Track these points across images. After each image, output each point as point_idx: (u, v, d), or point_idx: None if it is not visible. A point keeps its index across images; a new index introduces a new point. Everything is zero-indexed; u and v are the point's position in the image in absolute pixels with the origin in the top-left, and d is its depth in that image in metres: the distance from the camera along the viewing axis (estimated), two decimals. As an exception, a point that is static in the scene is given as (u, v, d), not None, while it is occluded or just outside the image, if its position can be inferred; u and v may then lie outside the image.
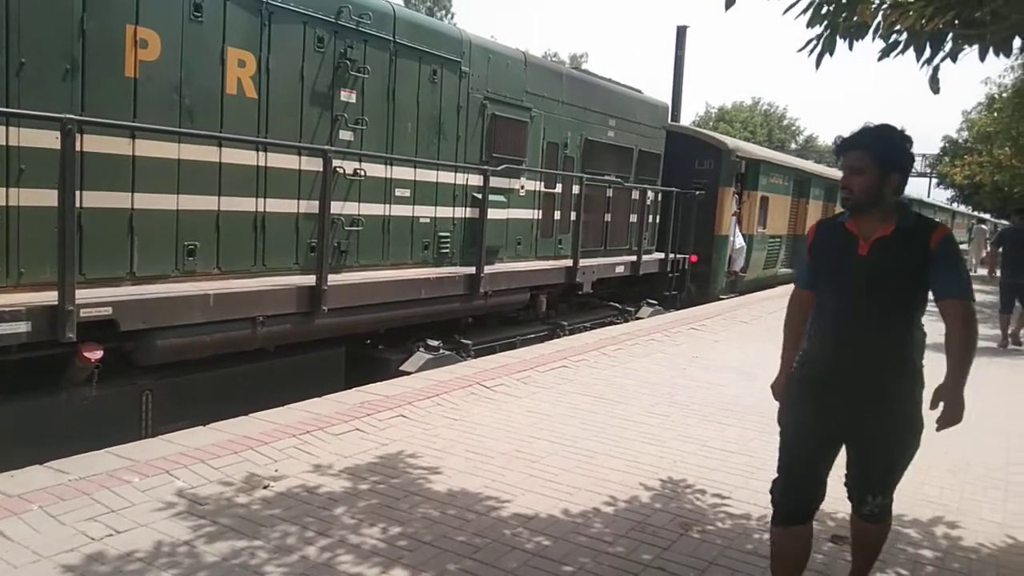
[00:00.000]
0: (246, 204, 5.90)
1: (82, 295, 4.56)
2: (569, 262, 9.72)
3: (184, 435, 4.50)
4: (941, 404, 2.73)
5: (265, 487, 3.90)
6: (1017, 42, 3.22)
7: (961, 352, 2.70)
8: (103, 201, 4.97)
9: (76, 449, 4.16)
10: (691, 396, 6.41)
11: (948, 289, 2.69)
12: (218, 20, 5.53)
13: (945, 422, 2.74)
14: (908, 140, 2.74)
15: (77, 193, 4.53)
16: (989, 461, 5.16)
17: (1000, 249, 11.62)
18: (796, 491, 2.91)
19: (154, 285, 5.24)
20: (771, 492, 2.99)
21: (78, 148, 4.51)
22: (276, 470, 4.14)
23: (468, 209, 8.19)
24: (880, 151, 2.69)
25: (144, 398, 5.14)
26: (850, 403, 2.78)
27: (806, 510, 2.93)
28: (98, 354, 4.64)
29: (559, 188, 9.91)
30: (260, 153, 5.94)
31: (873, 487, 2.91)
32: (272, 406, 5.17)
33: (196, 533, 3.35)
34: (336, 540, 3.37)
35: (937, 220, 2.84)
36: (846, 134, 2.85)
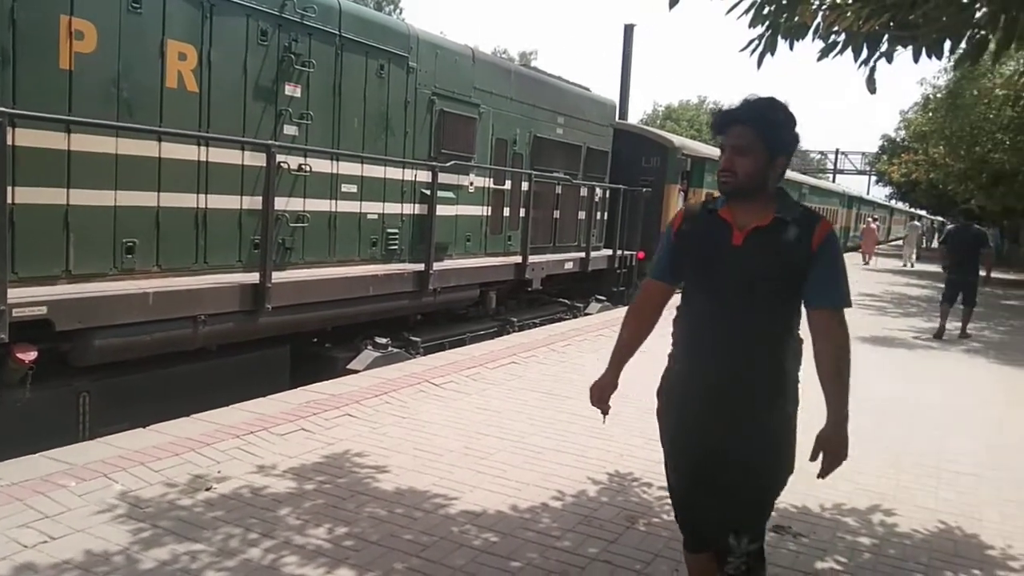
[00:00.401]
0: (187, 200, 5.76)
1: (15, 294, 4.40)
2: (518, 258, 9.74)
3: (123, 437, 4.39)
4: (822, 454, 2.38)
5: (208, 489, 3.82)
6: (949, 44, 3.32)
7: (838, 380, 2.36)
8: (37, 197, 4.80)
9: (9, 454, 4.01)
10: (638, 390, 6.44)
11: (826, 297, 2.35)
12: (157, 12, 5.39)
13: (827, 470, 2.41)
14: (794, 120, 2.39)
15: (9, 189, 4.38)
16: (923, 450, 5.33)
17: (946, 249, 12.01)
18: (685, 520, 2.63)
19: (91, 284, 5.08)
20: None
21: (9, 142, 4.36)
22: (219, 471, 4.06)
23: (417, 205, 8.14)
24: (768, 130, 2.34)
25: (81, 400, 4.99)
26: (720, 419, 2.40)
27: (703, 539, 2.57)
28: (32, 355, 4.49)
29: (508, 185, 9.92)
30: (202, 148, 5.81)
31: (740, 521, 2.43)
32: (215, 407, 5.07)
33: (135, 537, 3.26)
34: (281, 541, 3.32)
35: (820, 214, 2.45)
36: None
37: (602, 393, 2.84)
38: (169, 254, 5.67)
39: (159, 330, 5.25)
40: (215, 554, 3.17)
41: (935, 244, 34.00)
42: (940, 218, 41.26)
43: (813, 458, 2.41)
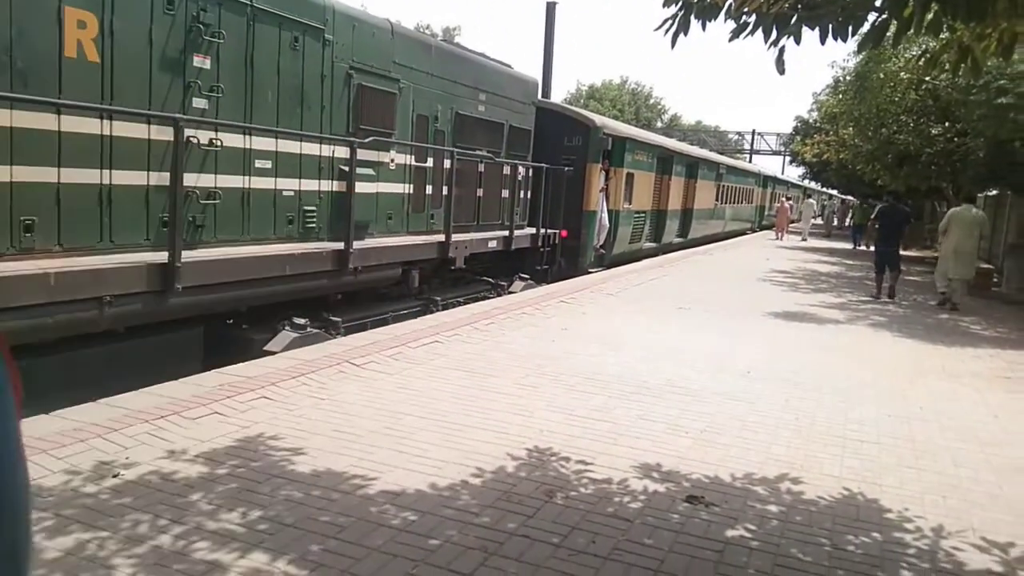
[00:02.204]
0: (90, 176, 5.50)
1: (-102, 275, 4.14)
2: (442, 237, 9.69)
3: (24, 424, 4.16)
4: None
5: (115, 476, 3.69)
6: (852, 26, 3.42)
7: None
8: (-80, 172, 4.52)
9: None
10: (559, 367, 6.54)
11: None
12: (52, -24, 5.10)
13: None
14: None
15: None
16: (830, 420, 5.56)
17: (877, 225, 13.99)
18: None
19: (-15, 264, 4.82)
20: None
21: None
22: (127, 458, 3.91)
23: (335, 182, 7.98)
24: None
25: (-24, 386, 4.73)
26: None
27: None
28: (-81, 340, 4.23)
29: (431, 162, 9.83)
30: (105, 121, 5.55)
31: None
32: (123, 391, 4.88)
33: (37, 527, 3.12)
34: (192, 527, 3.23)
35: None
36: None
37: None
38: (71, 233, 5.42)
39: (62, 312, 5.02)
40: (123, 541, 3.06)
41: (847, 223, 35.80)
42: (851, 197, 42.91)
43: None
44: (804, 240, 29.92)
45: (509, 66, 12.28)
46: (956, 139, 16.71)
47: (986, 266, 17.66)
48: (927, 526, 3.82)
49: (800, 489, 4.19)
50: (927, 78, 16.03)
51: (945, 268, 12.79)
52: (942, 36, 3.94)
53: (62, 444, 3.94)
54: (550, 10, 19.95)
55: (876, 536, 3.66)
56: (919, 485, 4.39)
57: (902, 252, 14.25)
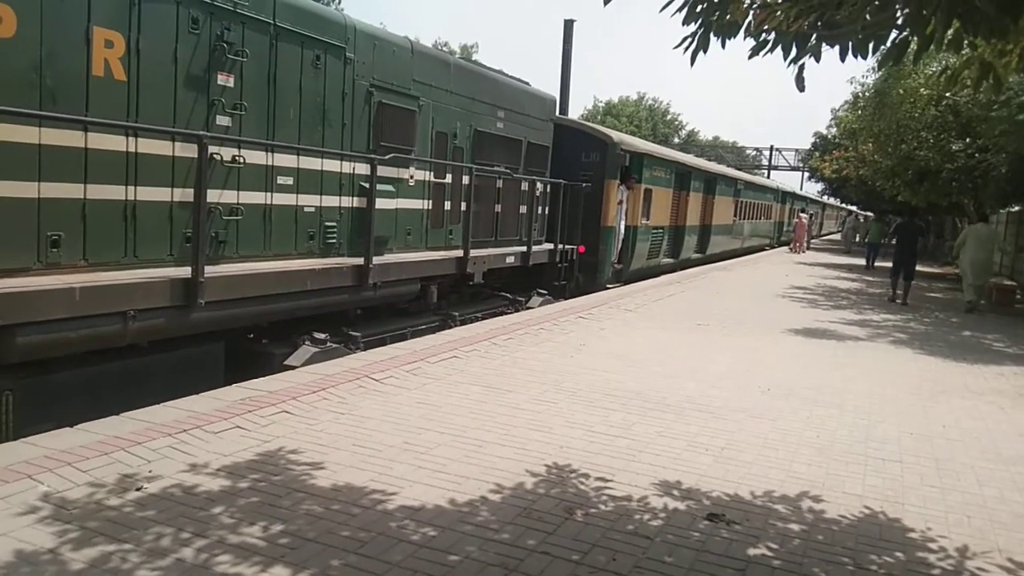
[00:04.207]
0: (115, 192, 5.59)
1: (-70, 290, 4.22)
2: (460, 252, 9.73)
3: (49, 437, 4.23)
4: None
5: (138, 489, 3.72)
6: (872, 44, 3.42)
7: None
8: (-47, 188, 4.61)
9: (-77, 456, 3.85)
10: (578, 383, 6.53)
11: None
12: (82, -3, 5.21)
13: None
14: None
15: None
16: (852, 437, 5.51)
17: (894, 240, 16.61)
18: None
19: (14, 278, 4.89)
20: None
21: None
22: (150, 471, 3.95)
23: (356, 198, 8.05)
24: None
25: (4, 400, 4.80)
26: None
27: None
28: (-52, 353, 4.31)
29: (449, 178, 9.89)
30: (130, 138, 5.64)
31: None
32: (146, 405, 4.92)
33: (61, 539, 3.16)
34: (214, 540, 3.25)
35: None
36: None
37: None
38: (97, 248, 5.50)
39: (86, 326, 5.09)
40: (145, 554, 3.09)
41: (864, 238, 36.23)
42: (870, 213, 42.75)
43: None
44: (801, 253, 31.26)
45: (527, 83, 12.35)
46: (977, 155, 16.57)
47: (1009, 283, 17.48)
48: (951, 546, 3.77)
49: (822, 507, 4.15)
50: (947, 94, 15.94)
51: (968, 279, 14.71)
52: (963, 52, 3.93)
53: (86, 457, 3.98)
54: (568, 27, 20.07)
55: (899, 555, 3.62)
56: (943, 504, 4.34)
57: (919, 268, 16.04)
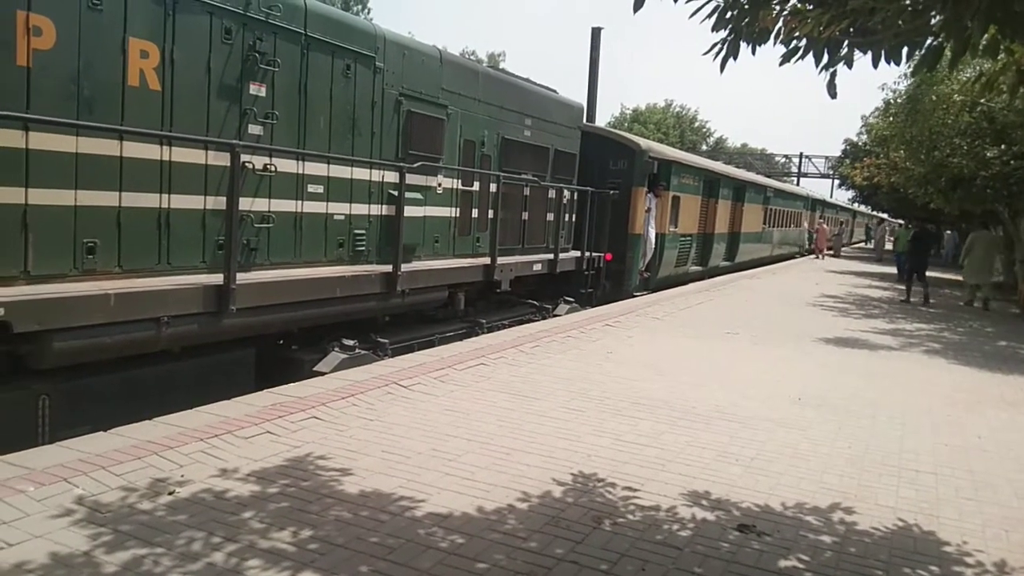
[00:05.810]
0: (150, 200, 5.68)
1: (-30, 296, 4.31)
2: (487, 260, 9.74)
3: (84, 441, 4.30)
4: None
5: (170, 493, 3.77)
6: (906, 51, 3.38)
7: None
8: (-8, 196, 4.71)
9: (-37, 459, 3.92)
10: (605, 391, 6.51)
11: None
12: (119, 9, 5.31)
13: None
14: None
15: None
16: (885, 448, 5.43)
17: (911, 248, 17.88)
18: None
19: (51, 285, 4.99)
20: None
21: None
22: (182, 475, 4.00)
23: (384, 206, 8.11)
24: None
25: (41, 403, 4.89)
26: None
27: None
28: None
29: (477, 186, 9.92)
30: (164, 147, 5.73)
31: None
32: (178, 410, 4.99)
33: (95, 542, 3.21)
34: (244, 545, 3.28)
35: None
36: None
37: None
38: (131, 255, 5.59)
39: (121, 332, 5.16)
40: (177, 558, 3.12)
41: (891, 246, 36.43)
42: (901, 221, 42.22)
43: None
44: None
45: (555, 91, 12.36)
46: (1013, 161, 16.28)
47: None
48: (988, 560, 3.70)
49: (854, 519, 4.09)
50: (982, 100, 15.67)
51: (971, 280, 16.86)
52: (999, 58, 3.87)
53: (119, 461, 4.04)
54: (595, 35, 20.08)
55: (934, 570, 3.56)
56: (979, 518, 4.25)
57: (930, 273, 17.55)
